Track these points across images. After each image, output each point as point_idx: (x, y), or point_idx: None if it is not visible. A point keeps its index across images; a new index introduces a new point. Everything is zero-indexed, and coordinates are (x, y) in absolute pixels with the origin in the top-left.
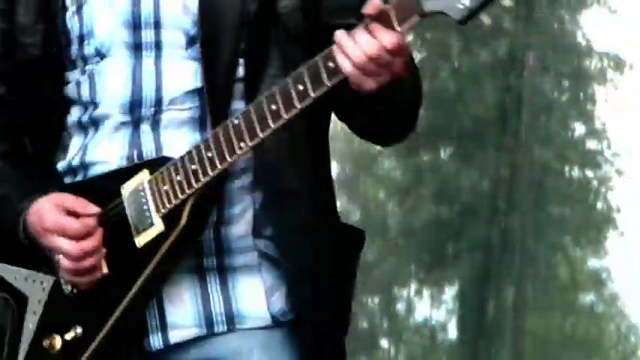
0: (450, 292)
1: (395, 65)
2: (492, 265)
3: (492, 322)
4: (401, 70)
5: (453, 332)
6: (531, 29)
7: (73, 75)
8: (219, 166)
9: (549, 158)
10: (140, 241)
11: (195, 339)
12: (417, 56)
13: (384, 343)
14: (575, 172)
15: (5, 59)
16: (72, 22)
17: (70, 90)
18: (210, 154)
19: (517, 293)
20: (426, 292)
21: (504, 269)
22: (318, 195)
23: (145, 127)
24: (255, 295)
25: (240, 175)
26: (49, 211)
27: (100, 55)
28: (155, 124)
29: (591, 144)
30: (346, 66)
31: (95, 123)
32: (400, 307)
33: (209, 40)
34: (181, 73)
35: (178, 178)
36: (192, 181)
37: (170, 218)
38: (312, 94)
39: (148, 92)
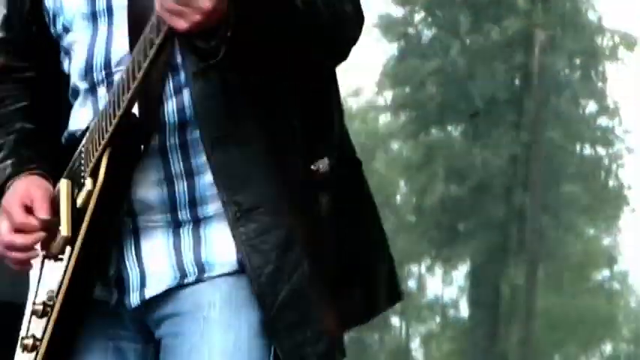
0: (461, 270)
1: (200, 2)
2: (504, 243)
3: (504, 300)
4: (213, 6)
5: (464, 310)
6: (543, 7)
7: (60, 52)
8: (113, 119)
9: (560, 136)
10: (78, 201)
11: (168, 293)
12: (427, 34)
13: (396, 321)
14: (587, 150)
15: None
16: (48, 2)
17: (63, 66)
18: (110, 107)
19: (529, 271)
20: (437, 270)
21: (516, 247)
22: (280, 141)
23: (101, 91)
24: (224, 241)
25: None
26: (17, 194)
27: (67, 30)
28: (109, 87)
29: (602, 121)
30: (157, 6)
31: (75, 94)
32: (412, 284)
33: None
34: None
35: (95, 135)
36: (102, 136)
37: (95, 175)
38: (156, 40)
39: (99, 57)
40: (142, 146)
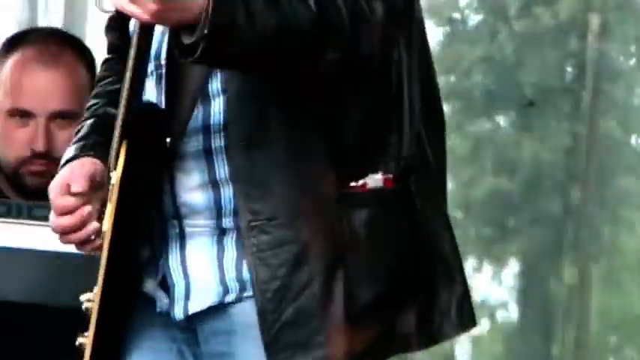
0: (511, 269)
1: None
2: (557, 241)
3: (557, 300)
4: (150, 10)
5: (514, 311)
6: None
7: None
8: (123, 101)
9: (614, 127)
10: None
11: (211, 308)
12: (474, 19)
13: None
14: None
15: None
16: None
17: None
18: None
19: (583, 270)
20: (486, 269)
21: (568, 244)
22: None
23: (149, 84)
24: None
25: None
26: (58, 177)
27: None
28: (157, 79)
29: None
30: None
31: None
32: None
33: None
34: None
35: (115, 130)
36: (117, 129)
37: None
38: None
39: (153, 49)
40: (168, 140)
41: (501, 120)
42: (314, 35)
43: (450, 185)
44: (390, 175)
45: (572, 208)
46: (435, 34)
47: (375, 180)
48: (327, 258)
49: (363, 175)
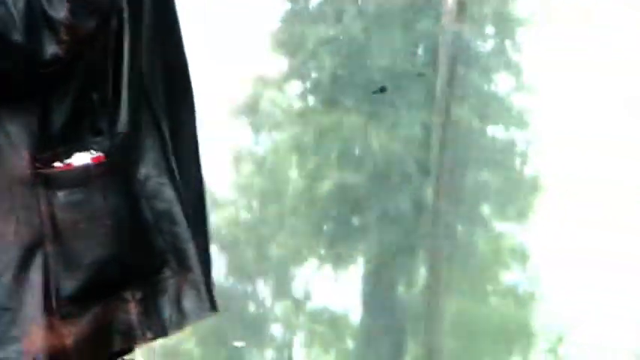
0: (356, 270)
1: None
2: (405, 240)
3: (405, 305)
4: None
5: (359, 317)
6: None
7: None
8: None
9: (469, 116)
10: None
11: None
12: None
13: (278, 330)
14: (500, 133)
15: None
16: None
17: None
18: None
19: (434, 272)
20: (327, 269)
21: (419, 244)
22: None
23: None
24: None
25: None
26: None
27: None
28: None
29: (518, 99)
30: None
31: None
32: (296, 287)
33: None
34: None
35: None
36: None
37: None
38: None
39: None
40: None
41: (347, 107)
42: None
43: (291, 177)
44: (101, 154)
45: (423, 204)
46: (275, 11)
47: (81, 158)
48: (22, 245)
49: (68, 156)
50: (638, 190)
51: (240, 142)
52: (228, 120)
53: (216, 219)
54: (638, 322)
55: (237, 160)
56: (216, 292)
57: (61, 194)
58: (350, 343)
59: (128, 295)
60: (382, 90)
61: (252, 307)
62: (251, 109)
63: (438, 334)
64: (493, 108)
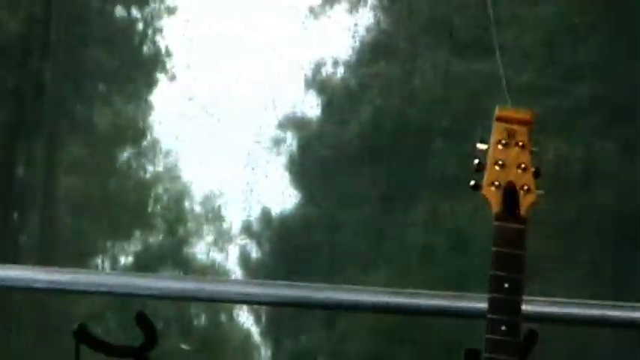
0: None
1: None
2: (19, 116)
3: (22, 185)
4: None
5: None
6: None
7: None
8: None
9: None
10: None
11: None
12: None
13: None
14: (119, 11)
15: None
16: None
17: None
18: None
19: (49, 148)
20: None
21: (36, 122)
22: None
23: None
24: None
25: None
26: None
27: None
28: None
29: None
30: None
31: None
32: None
33: None
34: None
35: None
36: None
37: None
38: None
39: None
40: None
41: None
42: None
43: None
44: None
45: (36, 81)
46: None
47: None
48: None
49: None
50: None
51: None
52: None
53: None
54: None
55: None
56: None
57: None
58: None
59: None
60: None
61: None
62: None
63: (53, 211)
64: None
